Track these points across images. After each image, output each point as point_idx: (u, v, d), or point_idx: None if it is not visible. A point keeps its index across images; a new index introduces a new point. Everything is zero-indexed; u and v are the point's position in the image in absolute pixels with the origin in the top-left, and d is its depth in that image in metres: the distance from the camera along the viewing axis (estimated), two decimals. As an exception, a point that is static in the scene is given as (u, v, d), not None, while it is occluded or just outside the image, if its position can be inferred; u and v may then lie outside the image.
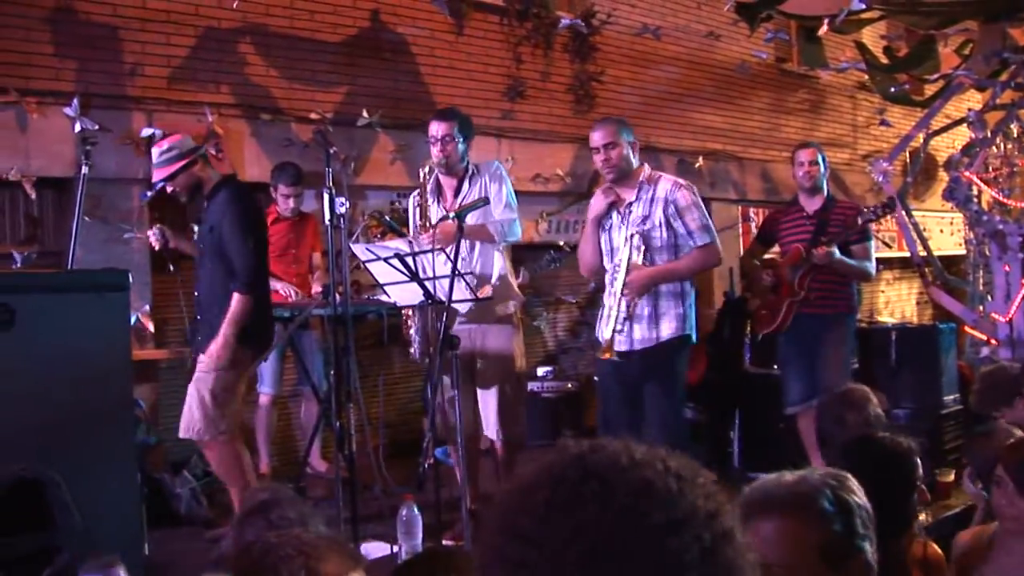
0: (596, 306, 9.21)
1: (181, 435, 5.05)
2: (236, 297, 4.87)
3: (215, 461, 5.13)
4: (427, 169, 5.32)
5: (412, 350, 5.51)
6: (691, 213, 4.82)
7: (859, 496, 2.03)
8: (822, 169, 6.00)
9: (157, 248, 5.41)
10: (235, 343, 4.87)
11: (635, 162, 4.93)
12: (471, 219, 5.01)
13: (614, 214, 4.96)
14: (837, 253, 5.75)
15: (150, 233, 5.41)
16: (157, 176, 5.02)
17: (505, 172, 5.41)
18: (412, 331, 5.41)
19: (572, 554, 0.98)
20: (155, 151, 5.08)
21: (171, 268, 5.41)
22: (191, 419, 4.90)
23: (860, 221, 5.81)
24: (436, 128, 5.25)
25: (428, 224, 5.16)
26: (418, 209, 5.32)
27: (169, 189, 5.06)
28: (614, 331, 4.82)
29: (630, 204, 4.89)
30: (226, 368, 4.89)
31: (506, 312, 5.33)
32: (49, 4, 6.37)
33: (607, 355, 4.82)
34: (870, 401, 4.17)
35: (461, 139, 5.26)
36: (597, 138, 4.88)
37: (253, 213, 5.14)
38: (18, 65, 6.24)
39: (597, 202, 4.99)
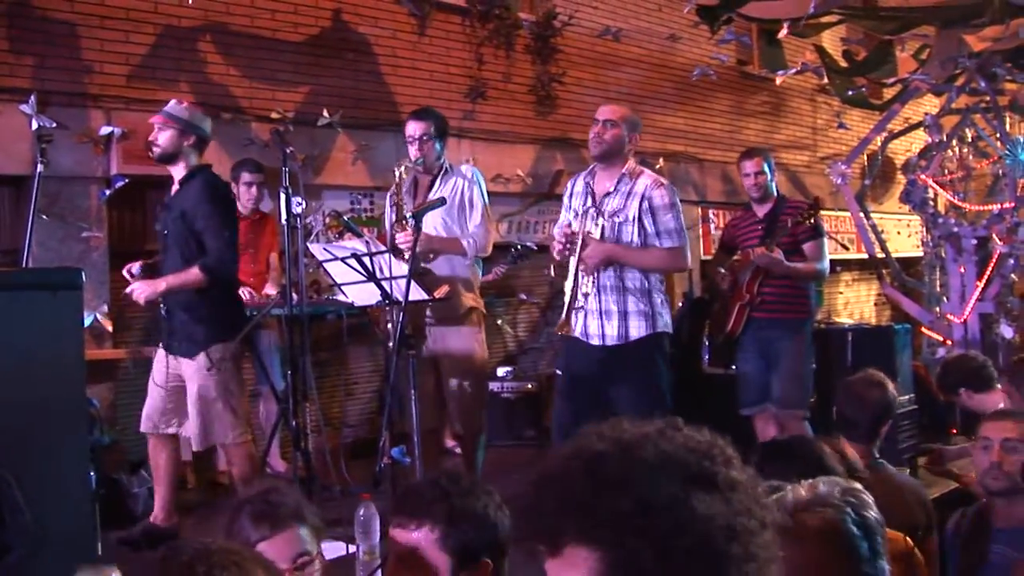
0: (555, 307, 9.31)
1: (197, 448, 4.96)
2: (196, 270, 4.77)
3: (239, 464, 4.98)
4: (403, 168, 5.31)
5: (390, 343, 5.52)
6: (664, 213, 4.82)
7: (875, 511, 1.99)
8: (769, 176, 5.98)
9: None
10: (192, 320, 4.81)
11: (626, 156, 4.95)
12: (440, 230, 5.10)
13: (589, 201, 4.97)
14: (779, 254, 5.70)
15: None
16: (160, 117, 4.96)
17: (482, 181, 5.42)
18: (389, 325, 5.38)
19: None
20: (176, 103, 5.05)
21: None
22: (206, 428, 4.80)
23: (789, 223, 5.76)
24: (413, 128, 5.28)
25: (404, 222, 5.14)
26: (394, 208, 5.31)
27: (153, 141, 4.97)
28: (572, 308, 4.82)
29: (607, 194, 4.91)
30: (221, 366, 4.79)
31: (463, 307, 5.32)
32: (5, 0, 6.32)
33: (564, 331, 4.82)
34: (887, 384, 4.27)
35: (437, 139, 5.30)
36: (602, 112, 4.93)
37: (231, 205, 5.08)
38: (-26, 62, 6.20)
39: (573, 183, 5.03)
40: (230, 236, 4.88)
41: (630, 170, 4.92)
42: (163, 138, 4.97)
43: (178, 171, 5.01)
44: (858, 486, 2.06)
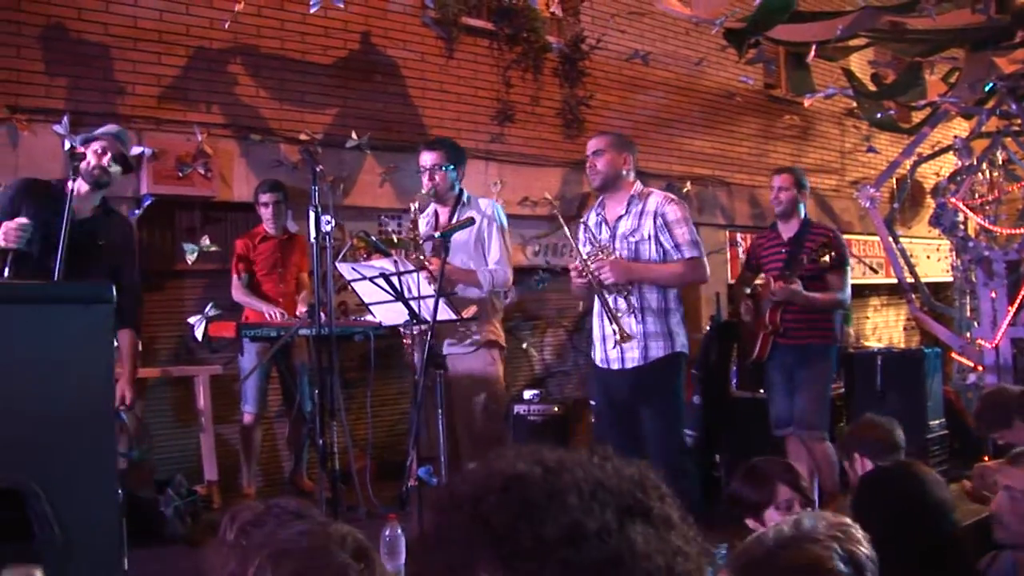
0: (583, 330, 9.29)
1: None
2: (131, 335, 4.88)
3: None
4: (416, 205, 5.33)
5: (416, 376, 5.49)
6: (679, 227, 4.87)
7: (866, 546, 1.91)
8: (795, 194, 6.00)
9: None
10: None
11: (627, 176, 4.99)
12: (462, 259, 5.13)
13: (603, 227, 5.00)
14: (798, 285, 5.71)
15: None
16: (101, 140, 4.92)
17: (502, 215, 5.43)
18: (415, 359, 5.35)
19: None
20: (117, 128, 5.10)
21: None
22: None
23: (805, 260, 5.78)
24: (425, 158, 5.33)
25: (422, 257, 5.11)
26: (411, 243, 5.32)
27: (94, 158, 4.86)
28: (616, 320, 4.77)
29: (619, 218, 4.95)
30: None
31: (483, 337, 5.32)
32: (40, 22, 6.40)
33: (625, 341, 4.78)
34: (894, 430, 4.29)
35: (451, 167, 5.33)
36: (589, 146, 5.04)
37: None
38: (9, 83, 6.27)
39: (586, 219, 5.10)
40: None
41: (638, 191, 5.01)
42: (102, 165, 4.91)
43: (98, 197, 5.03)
44: (847, 520, 1.96)
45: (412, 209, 5.32)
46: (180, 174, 6.78)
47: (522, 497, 1.01)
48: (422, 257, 5.07)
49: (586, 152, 5.07)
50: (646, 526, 1.02)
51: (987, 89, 8.48)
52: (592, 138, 5.11)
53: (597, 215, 5.10)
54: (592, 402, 5.25)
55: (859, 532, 1.93)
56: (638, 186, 5.02)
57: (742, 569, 1.85)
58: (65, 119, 6.28)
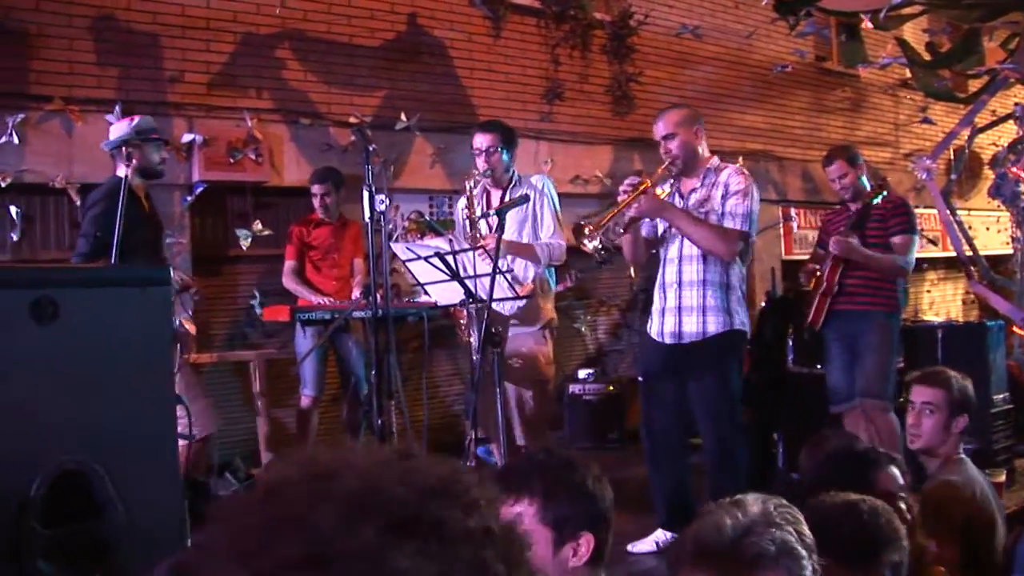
0: (635, 309, 9.22)
1: None
2: None
3: None
4: (472, 182, 5.32)
5: (474, 355, 5.49)
6: (735, 198, 4.76)
7: (806, 527, 1.82)
8: (854, 175, 5.83)
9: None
10: None
11: (703, 152, 4.91)
12: (515, 235, 5.09)
13: (677, 198, 4.93)
14: (855, 240, 5.62)
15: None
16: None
17: (553, 190, 5.40)
18: (472, 339, 5.34)
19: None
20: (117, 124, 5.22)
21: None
22: None
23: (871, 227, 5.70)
24: (480, 140, 5.32)
25: (477, 235, 5.14)
26: (467, 221, 5.31)
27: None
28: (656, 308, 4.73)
29: (693, 190, 4.88)
30: None
31: (541, 316, 5.30)
32: (91, 13, 6.44)
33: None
34: None
35: (505, 150, 5.31)
36: (657, 130, 4.91)
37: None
38: (61, 74, 6.32)
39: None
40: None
41: (714, 166, 4.91)
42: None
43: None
44: (784, 501, 1.85)
45: (467, 187, 5.30)
46: (231, 160, 6.81)
47: (276, 509, 0.88)
48: (478, 236, 5.05)
49: (655, 136, 4.91)
50: (425, 543, 0.86)
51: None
52: (657, 120, 4.94)
53: (672, 187, 4.98)
54: (640, 378, 5.16)
55: (798, 512, 1.84)
56: (715, 161, 4.93)
57: (699, 557, 1.77)
58: (117, 108, 6.31)
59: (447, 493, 0.91)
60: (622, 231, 4.82)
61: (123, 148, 5.03)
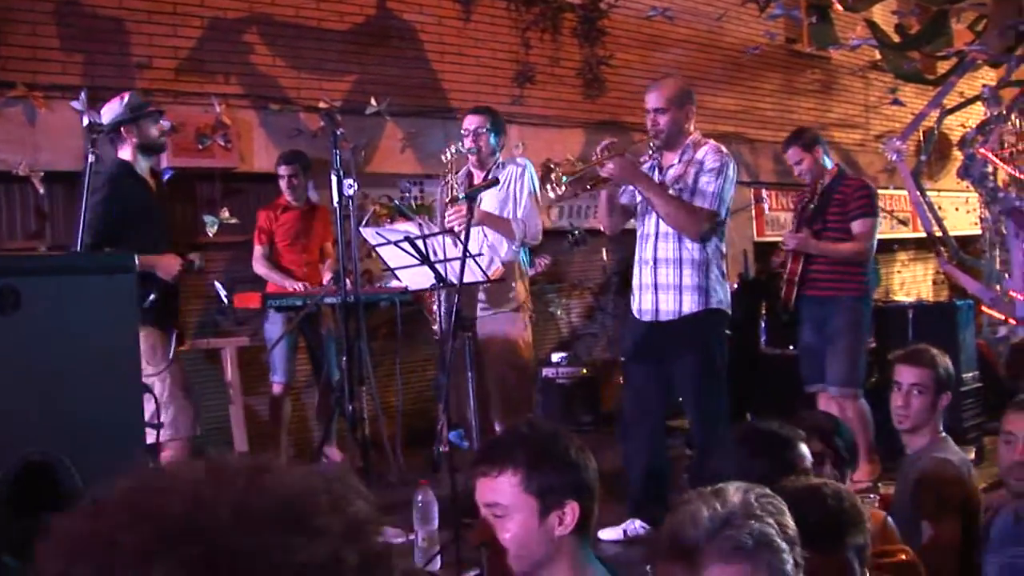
0: (608, 291, 9.22)
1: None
2: None
3: None
4: (452, 151, 5.33)
5: (435, 328, 5.51)
6: (708, 175, 4.75)
7: (789, 517, 1.77)
8: (811, 159, 5.88)
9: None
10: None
11: (688, 129, 4.89)
12: (494, 208, 5.12)
13: (656, 172, 4.91)
14: (806, 236, 5.74)
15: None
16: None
17: (533, 173, 5.40)
18: (436, 308, 5.40)
19: None
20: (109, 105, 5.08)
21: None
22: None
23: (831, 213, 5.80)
24: (469, 121, 5.41)
25: (456, 202, 5.15)
26: (448, 199, 5.31)
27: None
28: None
29: (671, 166, 4.88)
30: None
31: (515, 298, 5.30)
32: (55, -2, 6.35)
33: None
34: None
35: (492, 133, 5.37)
36: (650, 100, 4.87)
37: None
38: (25, 60, 6.23)
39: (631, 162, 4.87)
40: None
41: (694, 141, 4.88)
42: None
43: None
44: (770, 492, 1.81)
45: (446, 158, 5.33)
46: (200, 146, 6.74)
47: (87, 530, 0.80)
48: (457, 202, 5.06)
49: (646, 105, 4.87)
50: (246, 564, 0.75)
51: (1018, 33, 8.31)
52: (652, 90, 4.92)
53: (652, 160, 4.96)
54: (622, 358, 5.16)
55: (781, 502, 1.79)
56: (696, 136, 4.91)
57: (674, 550, 1.73)
58: (83, 95, 6.23)
59: (287, 518, 0.78)
60: (589, 187, 4.81)
61: (120, 129, 4.95)
